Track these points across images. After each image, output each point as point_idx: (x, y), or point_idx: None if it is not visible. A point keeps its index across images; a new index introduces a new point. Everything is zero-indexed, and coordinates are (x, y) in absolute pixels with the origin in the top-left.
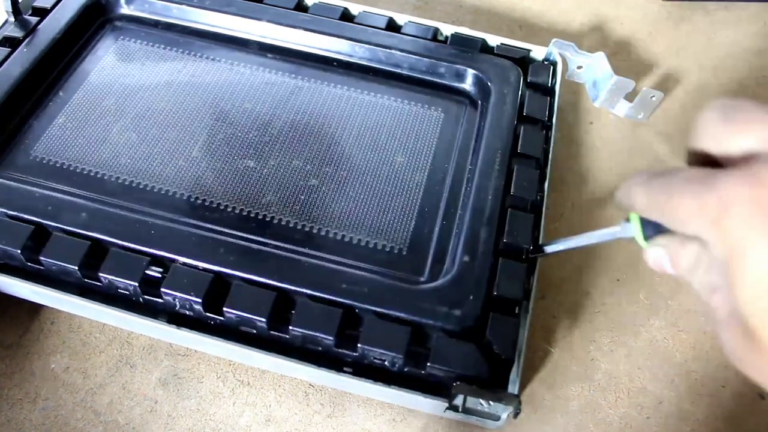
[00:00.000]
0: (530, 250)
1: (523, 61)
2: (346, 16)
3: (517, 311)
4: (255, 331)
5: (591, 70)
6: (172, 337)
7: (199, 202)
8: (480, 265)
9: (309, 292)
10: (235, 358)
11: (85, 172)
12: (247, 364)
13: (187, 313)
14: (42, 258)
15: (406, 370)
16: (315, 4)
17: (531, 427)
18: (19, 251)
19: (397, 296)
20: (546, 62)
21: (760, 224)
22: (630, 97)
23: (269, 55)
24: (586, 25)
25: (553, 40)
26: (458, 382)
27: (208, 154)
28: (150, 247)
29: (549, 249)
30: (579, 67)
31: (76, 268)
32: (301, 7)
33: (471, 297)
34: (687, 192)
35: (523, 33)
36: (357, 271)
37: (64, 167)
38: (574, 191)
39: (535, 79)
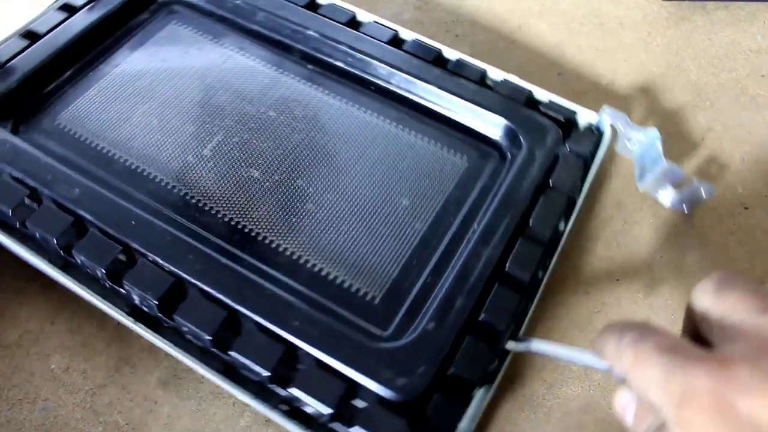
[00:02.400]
0: (508, 336)
1: (568, 123)
2: (396, 40)
3: (472, 395)
4: (201, 344)
5: (640, 147)
6: (132, 327)
7: (194, 201)
8: (443, 336)
9: (259, 320)
10: (184, 362)
11: (98, 148)
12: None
13: (145, 309)
14: (28, 224)
15: (331, 426)
16: (368, 23)
17: (531, 427)
18: (9, 212)
19: (345, 348)
20: (594, 130)
21: (716, 425)
22: (678, 184)
23: (309, 66)
24: (585, 26)
25: (604, 106)
26: None
27: (217, 155)
28: (125, 237)
29: (525, 346)
30: (629, 140)
31: (55, 240)
32: (353, 23)
33: (421, 368)
34: (655, 364)
35: (522, 33)
36: (316, 311)
37: (81, 139)
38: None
39: (574, 146)
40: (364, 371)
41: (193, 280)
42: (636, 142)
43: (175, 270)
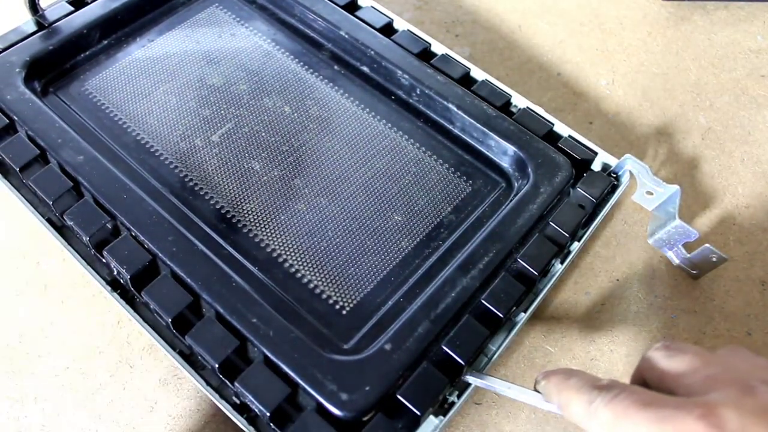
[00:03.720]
0: (467, 370)
1: (584, 163)
2: (426, 53)
3: (418, 423)
4: (164, 324)
5: (659, 201)
6: (108, 296)
7: (190, 184)
8: (398, 360)
9: (220, 310)
10: (150, 339)
11: (114, 119)
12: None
13: (121, 281)
14: (30, 183)
15: (270, 425)
16: (402, 32)
17: (531, 427)
18: (17, 169)
19: (297, 353)
20: (611, 175)
21: None
22: (689, 246)
23: (335, 67)
24: (585, 26)
25: (627, 155)
26: None
27: (224, 142)
28: (115, 209)
29: (483, 381)
30: (649, 193)
31: (51, 202)
32: (388, 30)
33: (367, 387)
34: (641, 419)
35: (522, 32)
36: (278, 312)
37: (101, 107)
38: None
39: (584, 188)
40: (310, 380)
41: (167, 261)
42: (656, 194)
43: (153, 248)
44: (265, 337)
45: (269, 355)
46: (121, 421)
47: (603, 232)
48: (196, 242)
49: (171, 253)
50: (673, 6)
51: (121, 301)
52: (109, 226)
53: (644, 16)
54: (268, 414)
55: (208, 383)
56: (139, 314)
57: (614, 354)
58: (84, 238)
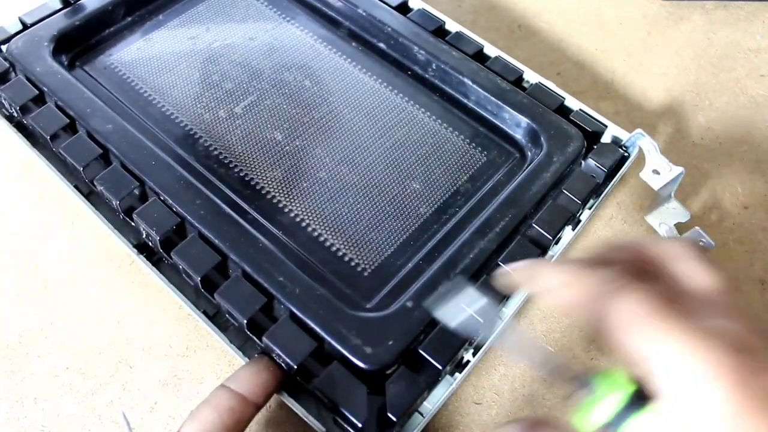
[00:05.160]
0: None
1: (595, 135)
2: (440, 30)
3: (438, 378)
4: (192, 284)
5: (665, 182)
6: (135, 259)
7: (215, 153)
8: (419, 316)
9: (247, 269)
10: (177, 300)
11: (140, 91)
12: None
13: (150, 244)
14: (60, 150)
15: (297, 378)
16: (417, 10)
17: None
18: (48, 137)
19: (321, 309)
20: (621, 148)
21: None
22: (681, 228)
23: (353, 44)
24: (585, 26)
25: (638, 129)
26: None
27: (247, 114)
28: (143, 174)
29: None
30: (655, 172)
31: (81, 169)
32: (404, 9)
33: (390, 342)
34: None
35: (522, 32)
36: (303, 271)
37: (127, 81)
38: None
39: (595, 159)
40: (335, 334)
41: (195, 223)
42: (662, 174)
43: (181, 211)
44: (291, 294)
45: (295, 311)
46: (121, 422)
47: (603, 232)
48: (223, 206)
49: (199, 216)
50: (673, 6)
51: (148, 263)
52: (137, 191)
53: (644, 16)
54: (295, 367)
55: (235, 343)
56: (165, 275)
57: (614, 354)
58: (114, 203)
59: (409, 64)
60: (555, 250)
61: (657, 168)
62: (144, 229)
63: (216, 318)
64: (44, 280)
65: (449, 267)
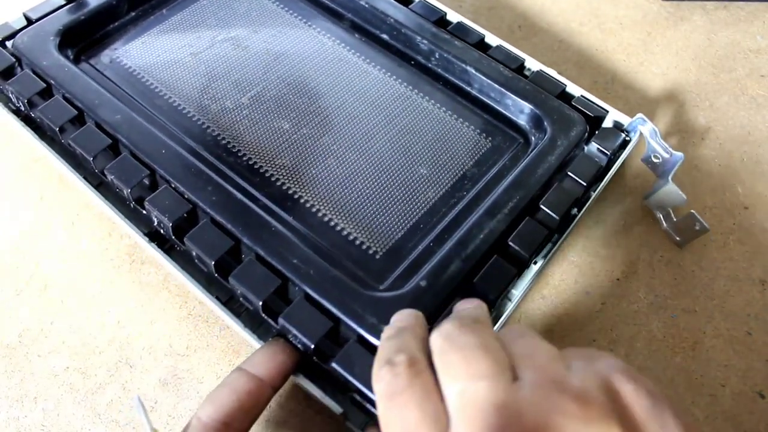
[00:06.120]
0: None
1: (597, 120)
2: (442, 21)
3: None
4: (205, 270)
5: (664, 168)
6: (146, 247)
7: (223, 142)
8: (433, 294)
9: (260, 252)
10: (189, 287)
11: (147, 84)
12: (199, 299)
13: (162, 232)
14: (70, 141)
15: (314, 359)
16: (419, 2)
17: None
18: (57, 129)
19: (336, 290)
20: (623, 132)
21: None
22: (678, 212)
23: (356, 35)
24: (585, 26)
25: (639, 114)
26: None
27: (254, 104)
28: (154, 163)
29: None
30: (655, 157)
31: (91, 159)
32: (405, 0)
33: None
34: None
35: (522, 32)
36: (315, 254)
37: (134, 74)
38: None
39: (599, 142)
40: (351, 314)
41: (207, 209)
42: (662, 159)
43: (193, 198)
44: (305, 275)
45: (310, 292)
46: (121, 421)
47: (603, 232)
48: (234, 192)
49: (211, 202)
50: (673, 6)
51: (160, 251)
52: (147, 180)
53: (644, 16)
54: (312, 346)
55: (249, 327)
56: (177, 263)
57: (614, 354)
58: (125, 191)
59: (412, 53)
60: (562, 234)
61: (657, 153)
62: (156, 217)
63: (229, 304)
64: (44, 280)
65: (461, 247)
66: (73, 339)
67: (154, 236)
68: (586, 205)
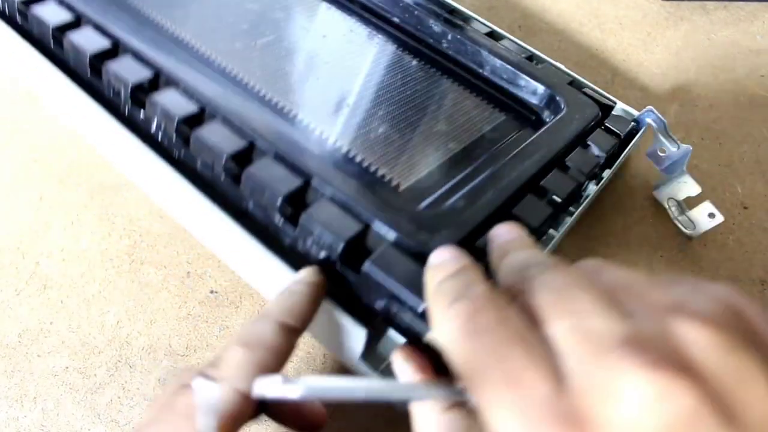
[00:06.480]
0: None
1: (606, 109)
2: (452, 10)
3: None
4: (210, 176)
5: (670, 161)
6: (140, 163)
7: (235, 75)
8: (471, 213)
9: (279, 149)
10: (189, 195)
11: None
12: (199, 221)
13: (160, 135)
14: (67, 39)
15: (338, 268)
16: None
17: None
18: (50, 30)
19: (365, 194)
20: (633, 122)
21: None
22: (690, 203)
23: (366, 15)
24: (585, 26)
25: (649, 107)
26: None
27: (265, 49)
28: (162, 62)
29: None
30: (661, 150)
31: (88, 56)
32: None
33: (445, 231)
34: None
35: (522, 32)
36: (336, 167)
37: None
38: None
39: (612, 124)
40: (385, 216)
41: (219, 105)
42: (668, 153)
43: (204, 92)
44: (330, 176)
45: (337, 193)
46: (120, 421)
47: (603, 232)
48: (248, 96)
49: (220, 96)
50: (673, 6)
51: (155, 154)
52: (147, 85)
53: (644, 16)
54: (342, 244)
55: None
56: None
57: None
58: (128, 86)
59: (424, 36)
60: (578, 208)
61: (665, 146)
62: (161, 112)
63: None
64: (44, 280)
65: (494, 180)
66: (73, 339)
67: (153, 144)
68: (603, 181)
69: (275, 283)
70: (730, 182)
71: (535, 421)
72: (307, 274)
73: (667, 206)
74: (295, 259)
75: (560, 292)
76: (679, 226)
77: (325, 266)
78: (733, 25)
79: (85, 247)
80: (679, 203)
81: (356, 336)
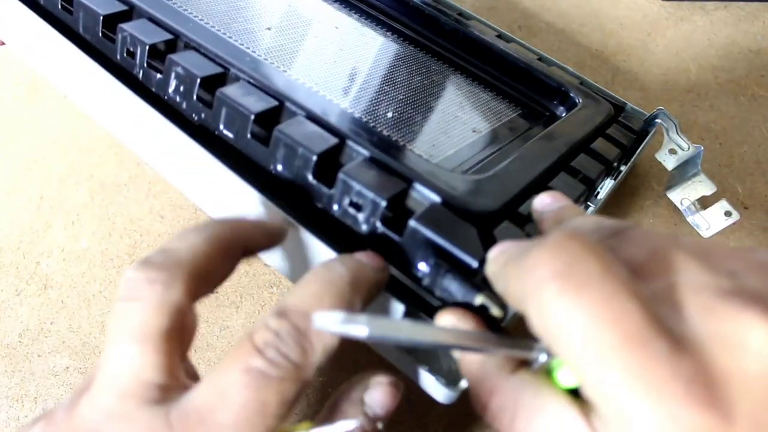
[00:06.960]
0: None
1: (617, 109)
2: (462, 14)
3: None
4: (234, 137)
5: (680, 161)
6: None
7: (256, 55)
8: (514, 179)
9: (312, 110)
10: (204, 167)
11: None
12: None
13: (177, 99)
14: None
15: (378, 228)
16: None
17: None
18: None
19: (403, 156)
20: (644, 121)
21: None
22: (705, 202)
23: (373, 12)
24: (585, 26)
25: (660, 107)
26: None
27: (277, 31)
28: (180, 27)
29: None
30: (672, 151)
31: (101, 17)
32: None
33: (490, 194)
34: None
35: (522, 33)
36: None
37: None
38: None
39: (626, 121)
40: (427, 178)
41: (242, 68)
42: (680, 152)
43: (225, 56)
44: (367, 139)
45: (376, 154)
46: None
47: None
48: (268, 63)
49: (247, 63)
50: (673, 6)
51: (168, 120)
52: (163, 47)
53: (644, 17)
54: (384, 202)
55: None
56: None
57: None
58: (145, 46)
59: (434, 36)
60: (596, 202)
61: (676, 146)
62: (179, 72)
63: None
64: (44, 280)
65: (523, 162)
66: (73, 339)
67: (172, 114)
68: (620, 176)
69: (304, 253)
70: (730, 182)
71: (662, 381)
72: (377, 261)
73: (681, 206)
74: (326, 226)
75: (657, 250)
76: (694, 225)
77: (358, 236)
78: (733, 25)
79: (85, 247)
80: (693, 203)
81: (393, 312)
